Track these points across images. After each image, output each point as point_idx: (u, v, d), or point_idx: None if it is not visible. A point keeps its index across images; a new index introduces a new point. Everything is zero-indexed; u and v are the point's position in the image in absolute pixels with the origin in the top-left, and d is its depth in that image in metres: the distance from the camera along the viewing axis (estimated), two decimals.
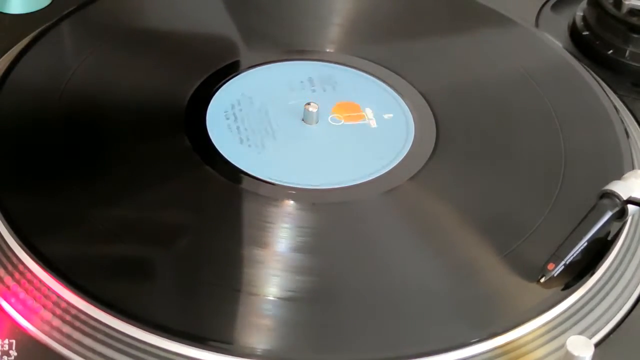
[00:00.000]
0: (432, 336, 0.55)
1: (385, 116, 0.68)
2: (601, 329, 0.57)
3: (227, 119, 0.68)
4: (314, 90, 0.71)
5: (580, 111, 0.70)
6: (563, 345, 0.51)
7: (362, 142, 0.67)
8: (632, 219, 0.62)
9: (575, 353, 0.51)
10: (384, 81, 0.72)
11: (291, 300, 0.56)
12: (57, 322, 0.55)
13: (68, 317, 0.55)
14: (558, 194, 0.63)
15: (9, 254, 0.57)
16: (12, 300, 0.56)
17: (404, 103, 0.71)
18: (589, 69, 0.75)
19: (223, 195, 0.63)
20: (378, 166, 0.65)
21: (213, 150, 0.65)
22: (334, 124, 0.68)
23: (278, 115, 0.69)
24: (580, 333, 0.56)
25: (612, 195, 0.60)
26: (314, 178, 0.64)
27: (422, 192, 0.64)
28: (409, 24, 0.78)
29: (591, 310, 0.58)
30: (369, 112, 0.69)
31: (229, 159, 0.65)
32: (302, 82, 0.72)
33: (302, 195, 0.62)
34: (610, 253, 0.60)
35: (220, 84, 0.71)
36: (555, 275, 0.57)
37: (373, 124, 0.68)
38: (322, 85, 0.72)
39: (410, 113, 0.70)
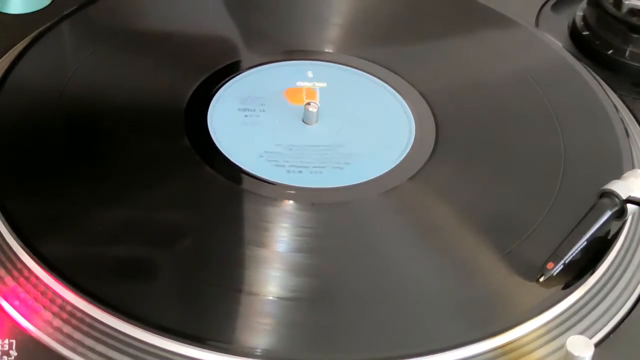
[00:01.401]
0: (432, 336, 0.55)
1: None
2: (601, 329, 0.57)
3: (228, 117, 0.68)
4: (314, 90, 0.71)
5: (580, 111, 0.70)
6: (563, 345, 0.52)
7: (362, 142, 0.67)
8: (632, 218, 0.62)
9: (575, 353, 0.51)
10: (384, 81, 0.72)
11: (291, 300, 0.56)
12: (57, 322, 0.55)
13: (68, 317, 0.55)
14: (558, 193, 0.63)
15: (10, 254, 0.57)
16: (12, 300, 0.56)
17: (404, 103, 0.71)
18: (589, 69, 0.75)
19: (223, 195, 0.63)
20: (378, 166, 0.65)
21: (213, 150, 0.65)
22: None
23: (278, 115, 0.69)
24: (580, 333, 0.56)
25: (611, 194, 0.60)
26: (314, 178, 0.64)
27: (422, 192, 0.64)
28: (409, 24, 0.78)
29: (591, 310, 0.58)
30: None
31: (229, 159, 0.65)
32: (301, 81, 0.72)
33: (302, 195, 0.62)
34: (610, 253, 0.60)
35: (220, 84, 0.71)
36: (554, 274, 0.57)
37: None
38: (322, 86, 0.72)
39: (410, 113, 0.70)
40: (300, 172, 0.64)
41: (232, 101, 0.70)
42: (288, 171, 0.64)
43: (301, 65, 0.73)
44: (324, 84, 0.70)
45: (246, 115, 0.69)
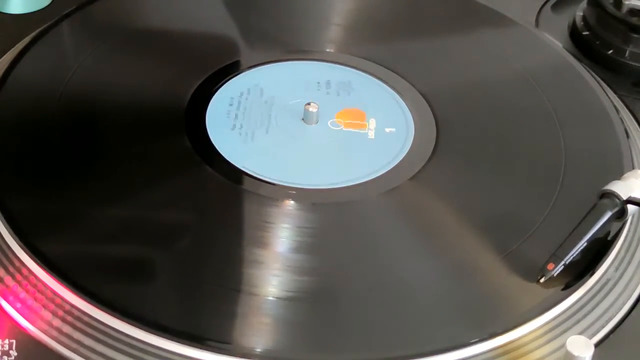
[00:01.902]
0: (432, 336, 0.55)
1: (387, 130, 0.68)
2: (601, 329, 0.57)
3: (228, 117, 0.68)
4: (316, 90, 0.71)
5: (581, 111, 0.70)
6: (563, 345, 0.51)
7: (362, 142, 0.67)
8: (632, 219, 0.62)
9: (575, 353, 0.51)
10: (384, 81, 0.72)
11: (291, 301, 0.56)
12: (57, 322, 0.55)
13: (68, 317, 0.55)
14: (558, 193, 0.63)
15: (9, 254, 0.57)
16: (12, 300, 0.56)
17: (404, 103, 0.71)
18: (589, 69, 0.75)
19: (223, 195, 0.63)
20: (378, 166, 0.65)
21: (213, 150, 0.65)
22: (333, 128, 0.68)
23: (278, 115, 0.69)
24: (580, 333, 0.56)
25: (612, 195, 0.60)
26: (314, 178, 0.64)
27: (422, 192, 0.64)
28: (409, 24, 0.78)
29: (591, 310, 0.58)
30: (372, 123, 0.69)
31: (229, 159, 0.65)
32: (301, 81, 0.72)
33: (302, 195, 0.62)
34: (610, 253, 0.60)
35: (220, 84, 0.71)
36: (555, 275, 0.57)
37: (372, 134, 0.68)
38: (322, 85, 0.72)
39: (410, 113, 0.70)
40: (300, 172, 0.64)
41: (232, 101, 0.70)
42: (288, 170, 0.64)
43: (301, 65, 0.73)
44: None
45: (241, 103, 0.69)
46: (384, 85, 0.72)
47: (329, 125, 0.68)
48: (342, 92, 0.71)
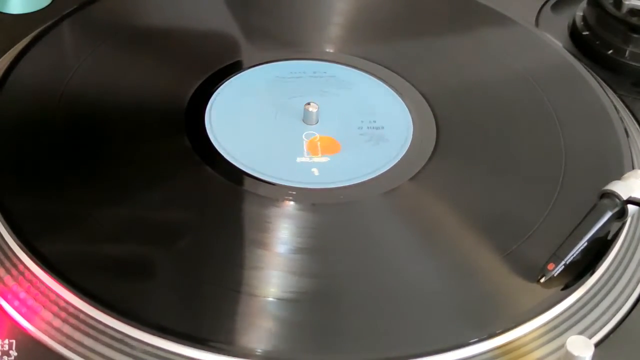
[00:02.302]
0: (432, 336, 0.55)
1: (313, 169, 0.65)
2: (601, 329, 0.57)
3: (228, 117, 0.68)
4: (316, 90, 0.71)
5: (581, 111, 0.70)
6: (563, 345, 0.51)
7: (362, 142, 0.67)
8: (632, 219, 0.62)
9: (575, 353, 0.51)
10: (384, 81, 0.72)
11: (291, 301, 0.56)
12: (57, 322, 0.55)
13: (68, 317, 0.55)
14: (558, 193, 0.63)
15: (9, 254, 0.57)
16: (12, 300, 0.56)
17: (404, 103, 0.71)
18: (589, 69, 0.75)
19: (223, 195, 0.63)
20: (378, 166, 0.65)
21: (213, 150, 0.65)
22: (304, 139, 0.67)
23: (278, 115, 0.69)
24: (580, 333, 0.56)
25: (612, 195, 0.60)
26: (314, 178, 0.64)
27: (422, 192, 0.64)
28: (409, 24, 0.78)
29: (591, 310, 0.58)
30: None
31: (229, 159, 0.65)
32: (300, 81, 0.72)
33: (302, 195, 0.62)
34: (610, 253, 0.60)
35: (220, 83, 0.71)
36: (555, 275, 0.57)
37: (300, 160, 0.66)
38: (321, 85, 0.72)
39: (410, 113, 0.70)
40: (300, 172, 0.64)
41: (232, 101, 0.70)
42: (288, 170, 0.64)
43: (301, 65, 0.73)
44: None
45: (241, 103, 0.69)
46: (384, 85, 0.72)
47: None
48: (342, 92, 0.71)
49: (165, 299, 0.56)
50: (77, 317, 0.54)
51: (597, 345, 0.55)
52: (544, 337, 0.56)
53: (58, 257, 0.56)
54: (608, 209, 0.60)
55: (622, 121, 0.69)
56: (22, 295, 0.56)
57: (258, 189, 0.63)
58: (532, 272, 0.58)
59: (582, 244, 0.58)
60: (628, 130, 0.69)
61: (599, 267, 0.59)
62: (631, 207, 0.60)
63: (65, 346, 0.54)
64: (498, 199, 0.63)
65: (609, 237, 0.61)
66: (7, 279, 0.57)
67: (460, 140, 0.68)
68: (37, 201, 0.60)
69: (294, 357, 0.54)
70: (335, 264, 0.59)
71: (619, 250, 0.61)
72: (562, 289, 0.57)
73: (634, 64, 0.76)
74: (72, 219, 0.59)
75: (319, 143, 0.67)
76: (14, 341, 0.54)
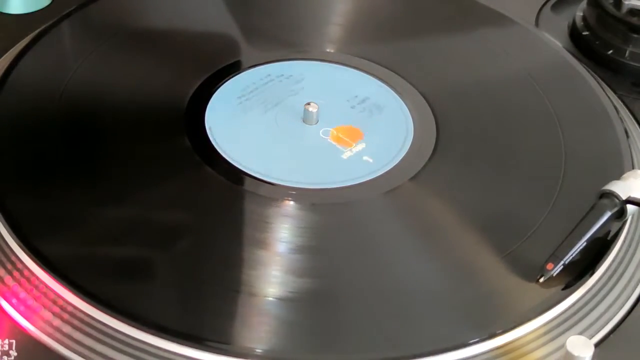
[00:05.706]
0: (432, 336, 0.55)
1: (365, 157, 0.66)
2: (601, 329, 0.57)
3: (227, 117, 0.68)
4: (314, 90, 0.71)
5: (580, 111, 0.70)
6: (563, 345, 0.51)
7: (362, 142, 0.67)
8: (632, 219, 0.62)
9: (575, 353, 0.51)
10: (384, 81, 0.72)
11: (291, 301, 0.56)
12: (57, 322, 0.55)
13: (68, 317, 0.55)
14: (558, 194, 0.63)
15: (9, 254, 0.58)
16: (12, 300, 0.56)
17: (404, 103, 0.71)
18: (589, 69, 0.75)
19: (223, 195, 0.63)
20: (378, 166, 0.65)
21: (213, 150, 0.65)
22: (323, 136, 0.67)
23: (278, 115, 0.69)
24: (580, 333, 0.56)
25: (611, 195, 0.60)
26: (314, 178, 0.64)
27: (422, 192, 0.64)
28: (409, 24, 0.78)
29: (591, 310, 0.58)
30: (358, 146, 0.67)
31: (229, 159, 0.65)
32: (301, 81, 0.72)
33: (302, 195, 0.62)
34: (610, 253, 0.60)
35: (220, 84, 0.71)
36: (554, 275, 0.57)
37: (346, 156, 0.66)
38: (321, 85, 0.72)
39: (410, 113, 0.70)
40: (300, 172, 0.64)
41: (232, 101, 0.70)
42: (288, 170, 0.64)
43: (301, 65, 0.73)
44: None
45: (241, 103, 0.69)
46: (384, 85, 0.72)
47: (321, 134, 0.68)
48: (342, 92, 0.71)
49: (165, 298, 0.56)
50: (77, 317, 0.54)
51: (597, 345, 0.55)
52: (544, 337, 0.56)
53: (58, 257, 0.56)
54: (607, 209, 0.60)
55: (622, 121, 0.69)
56: (22, 295, 0.56)
57: (258, 189, 0.63)
58: (532, 272, 0.58)
59: (581, 244, 0.58)
60: (628, 130, 0.69)
61: (599, 267, 0.59)
62: (630, 207, 0.60)
63: (65, 346, 0.54)
64: (498, 199, 0.64)
65: (609, 237, 0.61)
66: (7, 279, 0.57)
67: (460, 140, 0.68)
68: (37, 201, 0.60)
69: (293, 357, 0.54)
70: (335, 264, 0.59)
71: (618, 250, 0.61)
72: (563, 289, 0.57)
73: (634, 64, 0.76)
74: (72, 218, 0.59)
75: (341, 134, 0.67)
76: (14, 341, 0.54)
